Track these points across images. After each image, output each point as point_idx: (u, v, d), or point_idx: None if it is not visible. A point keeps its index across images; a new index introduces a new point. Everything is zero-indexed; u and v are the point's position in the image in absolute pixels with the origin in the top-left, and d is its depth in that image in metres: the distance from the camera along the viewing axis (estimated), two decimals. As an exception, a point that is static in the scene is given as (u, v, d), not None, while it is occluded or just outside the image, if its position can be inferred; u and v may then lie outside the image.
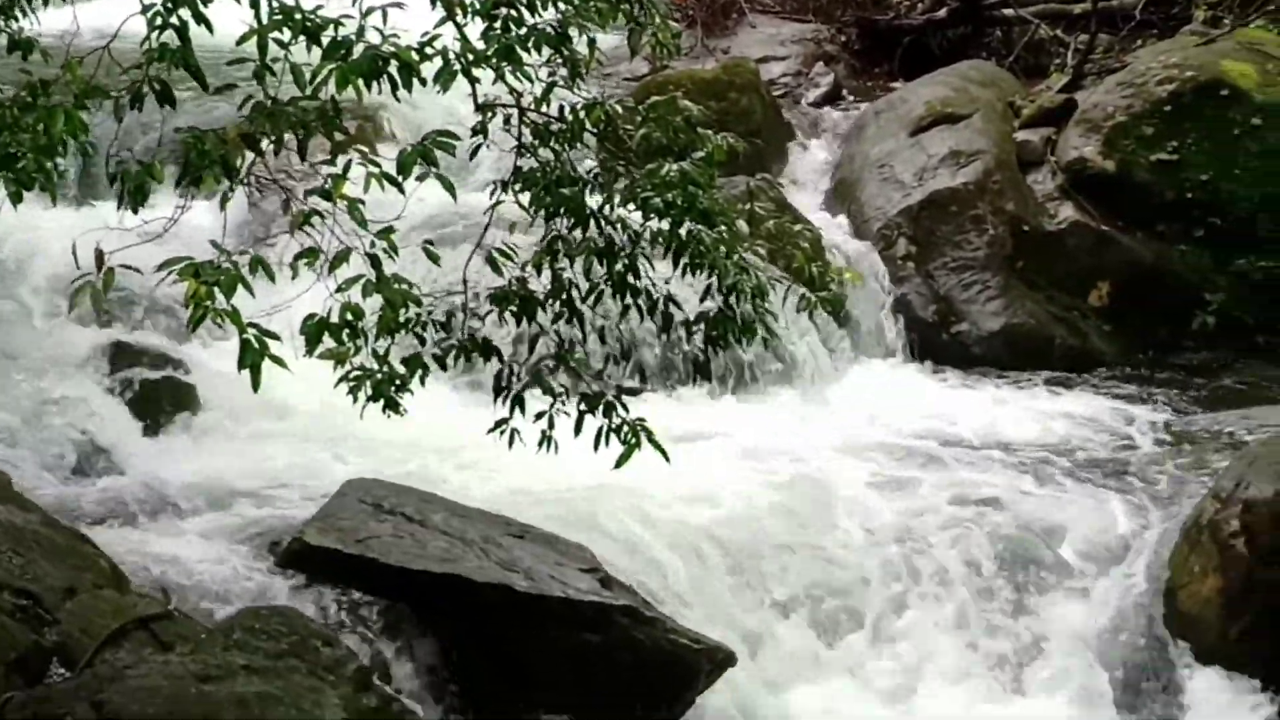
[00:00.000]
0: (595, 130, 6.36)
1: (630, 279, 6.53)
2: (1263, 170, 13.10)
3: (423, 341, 6.36)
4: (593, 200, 6.44)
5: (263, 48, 5.53)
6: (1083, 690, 8.81)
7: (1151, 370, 12.62)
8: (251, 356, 5.45)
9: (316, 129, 5.68)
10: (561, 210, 6.36)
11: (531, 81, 6.14)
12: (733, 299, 6.52)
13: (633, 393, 6.43)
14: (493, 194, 6.57)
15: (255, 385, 5.49)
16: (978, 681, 8.79)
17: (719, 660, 7.79)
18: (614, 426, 6.39)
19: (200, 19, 5.66)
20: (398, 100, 5.63)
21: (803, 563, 8.94)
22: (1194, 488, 9.82)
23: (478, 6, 5.94)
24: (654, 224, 6.37)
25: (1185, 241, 13.15)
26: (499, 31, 5.90)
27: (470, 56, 5.82)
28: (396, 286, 5.83)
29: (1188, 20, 15.13)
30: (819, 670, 8.63)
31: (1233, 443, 10.78)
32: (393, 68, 5.56)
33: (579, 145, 6.46)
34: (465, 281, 6.54)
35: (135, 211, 5.77)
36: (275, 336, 5.53)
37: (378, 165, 5.62)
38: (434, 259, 6.10)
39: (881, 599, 8.96)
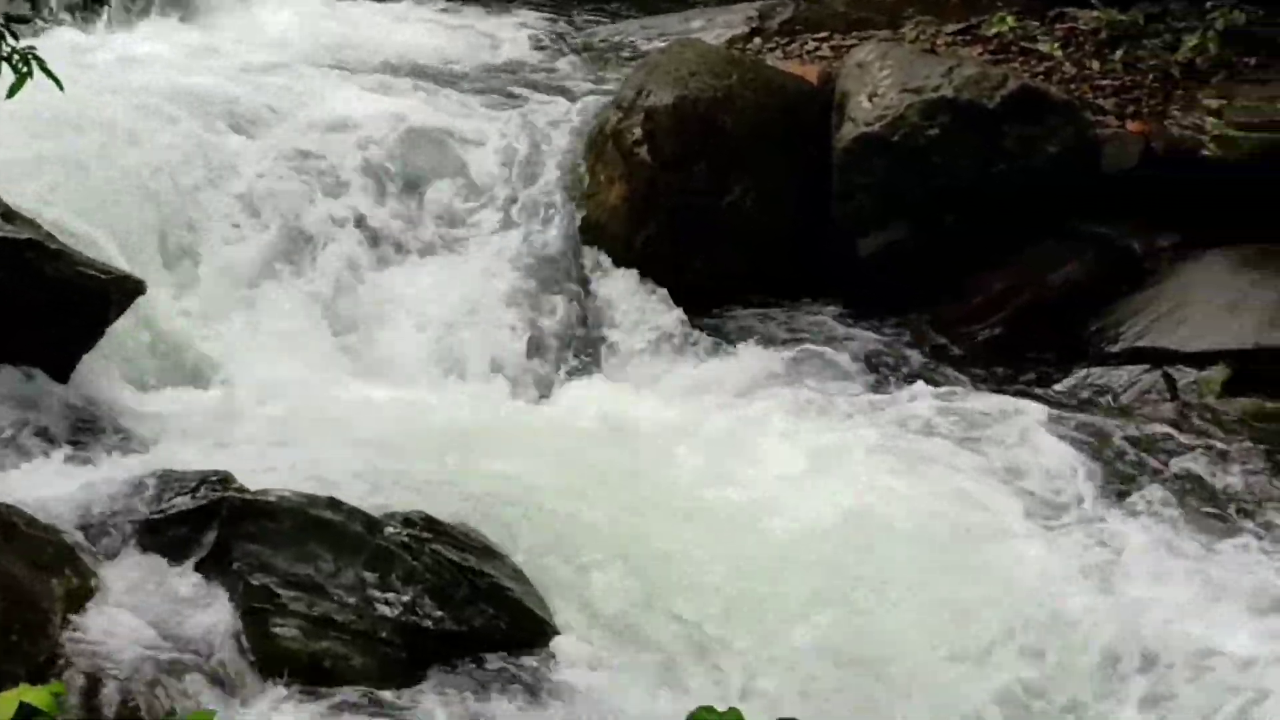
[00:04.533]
0: None
1: None
2: None
3: None
4: None
5: None
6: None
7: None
8: None
9: None
10: None
11: None
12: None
13: (22, 20, 6.03)
14: None
15: None
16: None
17: (128, 289, 7.61)
18: (3, 55, 6.02)
19: None
20: None
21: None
22: (599, 98, 9.93)
23: None
24: None
25: None
26: None
27: None
28: None
29: None
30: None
31: (635, 54, 10.95)
32: None
33: None
34: None
35: None
36: None
37: None
38: None
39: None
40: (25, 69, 5.82)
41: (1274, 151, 8.89)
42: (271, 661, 6.28)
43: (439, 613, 6.59)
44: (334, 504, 6.67)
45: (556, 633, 6.77)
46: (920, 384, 8.56)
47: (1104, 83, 9.63)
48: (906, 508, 7.38)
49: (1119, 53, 9.85)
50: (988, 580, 7.01)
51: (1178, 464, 7.99)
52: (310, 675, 6.29)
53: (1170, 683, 6.63)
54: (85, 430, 7.42)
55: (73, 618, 6.21)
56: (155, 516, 6.59)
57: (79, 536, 6.54)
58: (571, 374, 8.77)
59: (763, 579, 6.98)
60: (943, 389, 8.56)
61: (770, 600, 6.89)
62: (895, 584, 6.95)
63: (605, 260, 9.18)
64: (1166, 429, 8.27)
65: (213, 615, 6.38)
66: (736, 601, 6.88)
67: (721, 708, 2.29)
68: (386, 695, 6.34)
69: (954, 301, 9.14)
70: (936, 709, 6.52)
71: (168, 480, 6.73)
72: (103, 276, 7.55)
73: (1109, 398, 8.59)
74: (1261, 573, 7.22)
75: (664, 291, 9.08)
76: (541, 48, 11.34)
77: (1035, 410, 8.33)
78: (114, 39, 10.58)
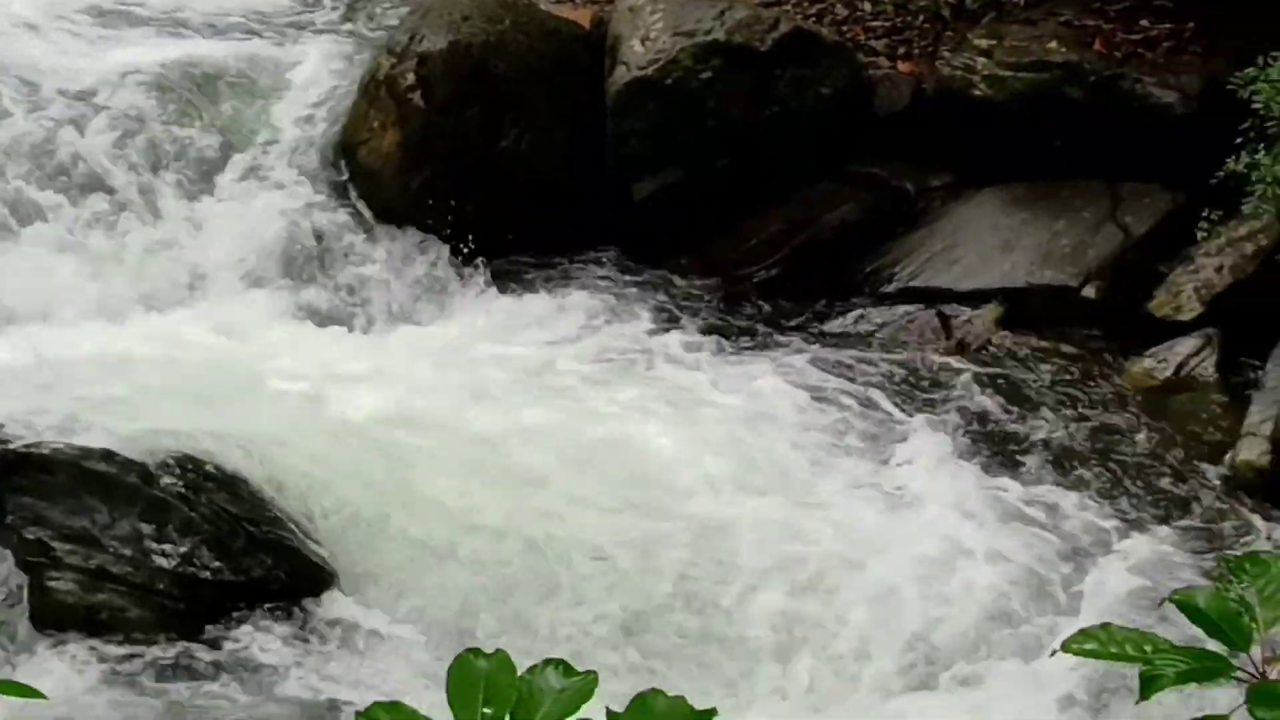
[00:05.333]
0: None
1: None
2: None
3: None
4: None
5: None
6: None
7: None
8: None
9: None
10: None
11: None
12: None
13: None
14: None
15: None
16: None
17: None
18: None
19: None
20: None
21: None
22: (372, 43, 9.80)
23: None
24: None
25: None
26: None
27: None
28: None
29: None
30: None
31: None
32: None
33: None
34: None
35: None
36: None
37: None
38: None
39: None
40: None
41: (1043, 91, 9.01)
42: (48, 615, 6.18)
43: (217, 563, 6.53)
44: (108, 455, 6.55)
45: (335, 581, 6.72)
46: (695, 326, 8.59)
47: (876, 24, 9.70)
48: (671, 446, 7.49)
49: (890, -6, 9.94)
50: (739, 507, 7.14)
51: (950, 401, 8.09)
52: (87, 628, 6.20)
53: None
54: None
55: None
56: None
57: None
58: (345, 323, 8.66)
59: (543, 524, 6.99)
60: (717, 331, 8.60)
61: (548, 543, 6.91)
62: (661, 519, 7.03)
63: (378, 207, 9.07)
64: (940, 367, 8.37)
65: (-14, 569, 6.26)
66: (518, 547, 6.89)
67: (490, 649, 2.24)
68: (165, 647, 6.24)
69: (730, 244, 9.17)
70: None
71: (-66, 435, 6.57)
72: None
73: (884, 337, 8.67)
74: (1010, 501, 7.38)
75: (438, 238, 8.99)
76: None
77: (810, 350, 8.41)
78: None
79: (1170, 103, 8.87)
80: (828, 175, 9.24)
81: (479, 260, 8.94)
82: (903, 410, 8.01)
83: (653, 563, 6.89)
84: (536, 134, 9.26)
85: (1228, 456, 7.63)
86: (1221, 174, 7.28)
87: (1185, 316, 8.44)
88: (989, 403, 8.05)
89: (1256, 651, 2.37)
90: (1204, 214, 7.59)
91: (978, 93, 9.11)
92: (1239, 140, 7.32)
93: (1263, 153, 7.06)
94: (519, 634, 6.55)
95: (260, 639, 6.49)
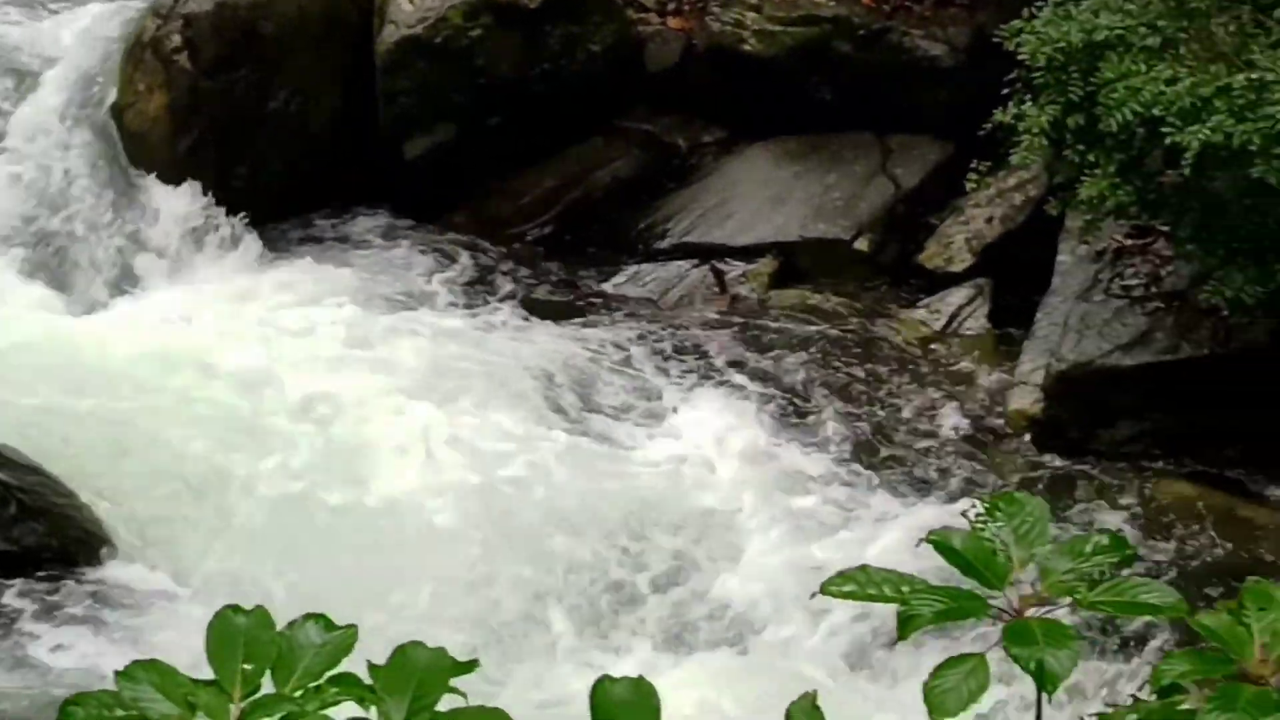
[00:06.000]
0: None
1: None
2: None
3: None
4: None
5: None
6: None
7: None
8: None
9: None
10: None
11: None
12: None
13: None
14: None
15: None
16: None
17: None
18: None
19: None
20: None
21: None
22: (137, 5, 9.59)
23: None
24: None
25: None
26: None
27: None
28: None
29: None
30: None
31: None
32: None
33: None
34: None
35: None
36: None
37: None
38: None
39: None
40: None
41: (812, 45, 9.05)
42: None
43: (-11, 533, 6.40)
44: None
45: (110, 546, 6.63)
46: (463, 284, 8.56)
47: (645, -20, 9.68)
48: (428, 409, 7.48)
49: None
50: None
51: (722, 355, 8.11)
52: None
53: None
54: None
55: None
56: None
57: None
58: (115, 287, 8.50)
59: (301, 480, 6.98)
60: (486, 289, 8.56)
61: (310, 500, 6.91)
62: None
63: (147, 170, 8.90)
64: (715, 322, 8.39)
65: None
66: (280, 506, 6.86)
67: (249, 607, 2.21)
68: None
69: (503, 202, 9.12)
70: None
71: None
72: None
73: (658, 292, 8.67)
74: (783, 455, 7.44)
75: (209, 200, 8.84)
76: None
77: (581, 307, 8.41)
78: None
79: (938, 55, 8.96)
80: (601, 132, 9.22)
81: (248, 221, 8.80)
82: (675, 365, 8.02)
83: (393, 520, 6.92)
84: (306, 95, 9.14)
85: (1000, 406, 7.73)
86: (989, 125, 7.34)
87: (957, 267, 8.55)
88: (762, 357, 8.09)
89: (1013, 591, 2.38)
90: (973, 165, 7.66)
91: (748, 48, 9.12)
92: (1006, 92, 7.39)
93: (1029, 103, 7.13)
94: (293, 590, 6.50)
95: (34, 606, 6.40)
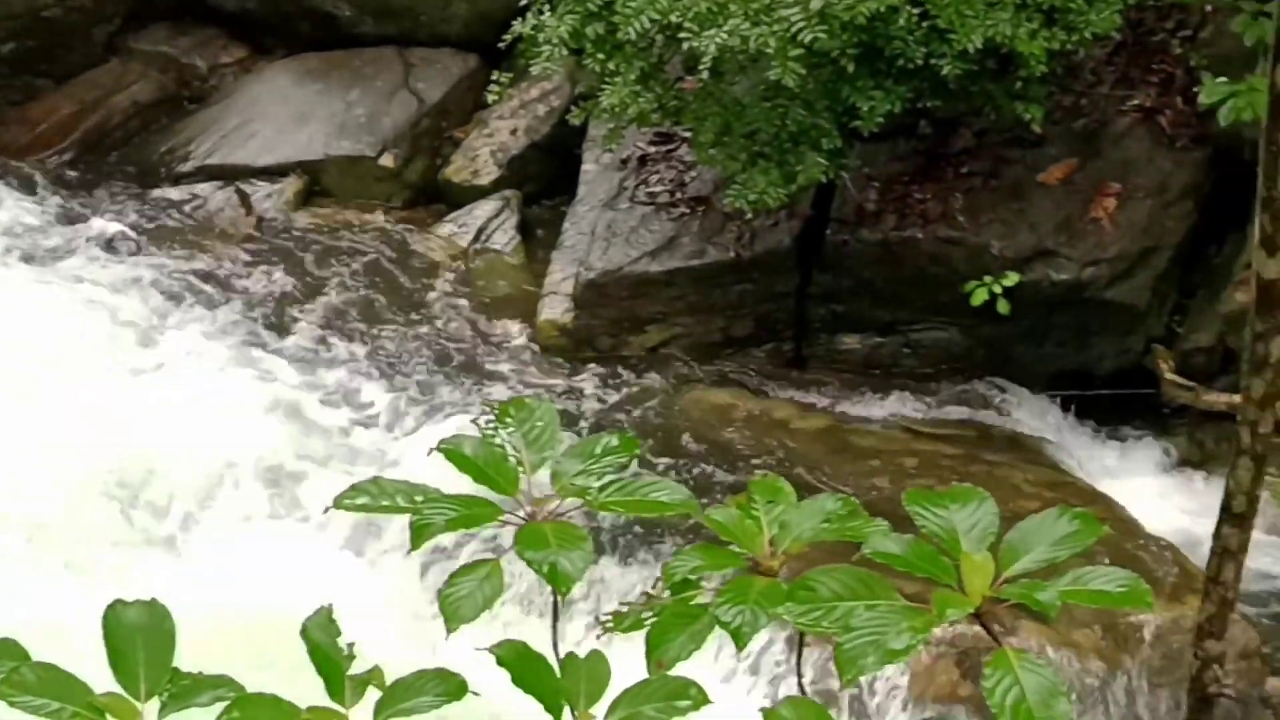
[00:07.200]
0: None
1: None
2: None
3: None
4: None
5: None
6: None
7: None
8: None
9: None
10: None
11: None
12: None
13: None
14: None
15: None
16: None
17: None
18: None
19: None
20: None
21: None
22: None
23: None
24: None
25: None
26: None
27: None
28: None
29: None
30: None
31: None
32: None
33: None
34: None
35: None
36: None
37: None
38: None
39: None
40: None
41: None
42: None
43: None
44: None
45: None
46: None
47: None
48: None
49: None
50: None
51: (248, 278, 7.96)
52: None
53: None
54: None
55: None
56: None
57: None
58: None
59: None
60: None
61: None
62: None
63: None
64: (241, 244, 8.23)
65: None
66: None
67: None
68: None
69: (19, 131, 8.78)
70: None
71: None
72: None
73: (184, 217, 8.46)
74: (310, 380, 7.36)
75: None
76: None
77: (108, 233, 8.16)
78: None
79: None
80: (115, 53, 8.94)
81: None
82: (192, 291, 7.83)
83: None
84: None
85: (531, 317, 7.76)
86: (509, 37, 7.33)
87: (483, 181, 8.54)
88: (291, 278, 7.96)
89: (526, 496, 2.37)
90: (494, 78, 7.64)
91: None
92: (525, 3, 7.39)
93: (549, 14, 7.13)
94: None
95: None
